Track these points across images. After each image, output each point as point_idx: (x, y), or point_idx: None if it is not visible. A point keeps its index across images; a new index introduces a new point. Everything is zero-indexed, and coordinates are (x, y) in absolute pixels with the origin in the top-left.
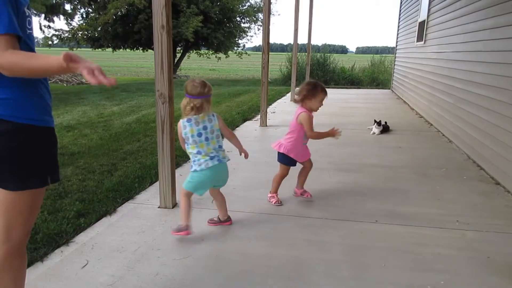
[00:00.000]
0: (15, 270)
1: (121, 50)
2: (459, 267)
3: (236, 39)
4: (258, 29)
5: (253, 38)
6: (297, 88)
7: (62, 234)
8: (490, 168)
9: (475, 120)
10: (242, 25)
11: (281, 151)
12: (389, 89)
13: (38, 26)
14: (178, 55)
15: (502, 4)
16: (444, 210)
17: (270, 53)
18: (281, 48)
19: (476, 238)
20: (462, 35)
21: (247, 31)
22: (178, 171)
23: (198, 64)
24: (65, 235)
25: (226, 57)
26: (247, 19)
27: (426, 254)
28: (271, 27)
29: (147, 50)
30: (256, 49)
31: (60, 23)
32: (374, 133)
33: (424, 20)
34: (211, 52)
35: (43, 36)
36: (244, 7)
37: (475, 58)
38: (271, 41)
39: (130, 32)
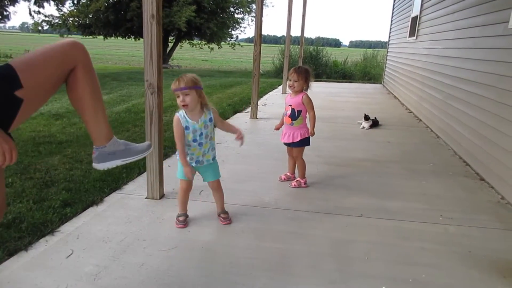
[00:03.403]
0: None
1: (112, 38)
2: (441, 261)
3: (229, 30)
4: (252, 20)
5: (247, 29)
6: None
7: (47, 223)
8: (475, 164)
9: (462, 117)
10: (236, 15)
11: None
12: (381, 83)
13: (28, 12)
14: (171, 45)
15: (493, 2)
16: (429, 205)
17: (263, 45)
18: (275, 40)
19: (458, 233)
20: (453, 32)
21: (241, 22)
22: (166, 162)
23: (191, 54)
24: (50, 224)
25: (219, 48)
26: (241, 9)
27: (409, 248)
28: (264, 18)
29: (139, 39)
30: (249, 40)
31: (50, 8)
32: (363, 127)
33: (417, 16)
34: (203, 43)
35: (32, 21)
36: None
37: (465, 55)
38: (265, 32)
39: (122, 20)
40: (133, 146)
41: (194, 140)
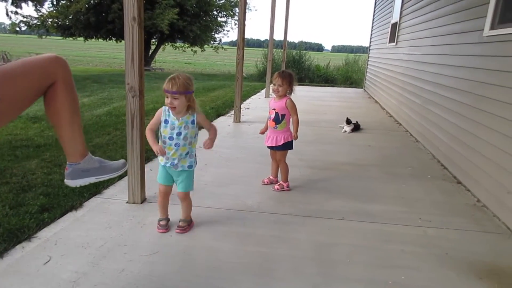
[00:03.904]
0: None
1: (93, 39)
2: (419, 263)
3: (213, 33)
4: (235, 24)
5: (230, 32)
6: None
7: (24, 229)
8: (453, 168)
9: (440, 121)
10: (219, 19)
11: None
12: (362, 88)
13: (5, 12)
14: (153, 47)
15: (469, 10)
16: (409, 208)
17: (246, 48)
18: (258, 43)
19: (436, 235)
20: (431, 38)
21: (224, 26)
22: (148, 166)
23: (174, 57)
24: (27, 230)
25: (202, 50)
26: (224, 13)
27: (389, 251)
28: (248, 22)
29: (120, 41)
30: (232, 43)
31: (28, 9)
32: (345, 131)
33: (397, 22)
34: (186, 45)
35: (10, 22)
36: (221, 1)
37: (443, 61)
38: (248, 36)
39: (103, 21)
40: (107, 163)
41: (170, 138)
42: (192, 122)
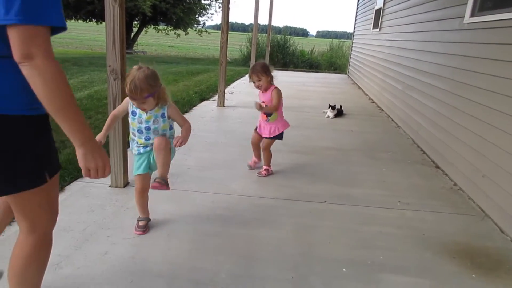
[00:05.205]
0: (41, 259)
1: (72, 21)
2: (397, 244)
3: (196, 16)
4: (219, 7)
5: (214, 16)
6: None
7: None
8: (432, 153)
9: (420, 107)
10: (203, 1)
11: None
12: (346, 74)
13: None
14: (135, 30)
15: None
16: (388, 191)
17: (230, 32)
18: (243, 28)
19: (414, 217)
20: (413, 25)
21: (208, 8)
22: (130, 150)
23: (156, 40)
24: None
25: (186, 34)
26: None
27: (368, 232)
28: (232, 5)
29: (101, 23)
30: (217, 27)
31: None
32: (328, 116)
33: (380, 8)
34: (169, 28)
35: None
36: None
37: (424, 47)
38: (233, 20)
39: (82, 2)
40: None
41: (139, 131)
42: (163, 115)
